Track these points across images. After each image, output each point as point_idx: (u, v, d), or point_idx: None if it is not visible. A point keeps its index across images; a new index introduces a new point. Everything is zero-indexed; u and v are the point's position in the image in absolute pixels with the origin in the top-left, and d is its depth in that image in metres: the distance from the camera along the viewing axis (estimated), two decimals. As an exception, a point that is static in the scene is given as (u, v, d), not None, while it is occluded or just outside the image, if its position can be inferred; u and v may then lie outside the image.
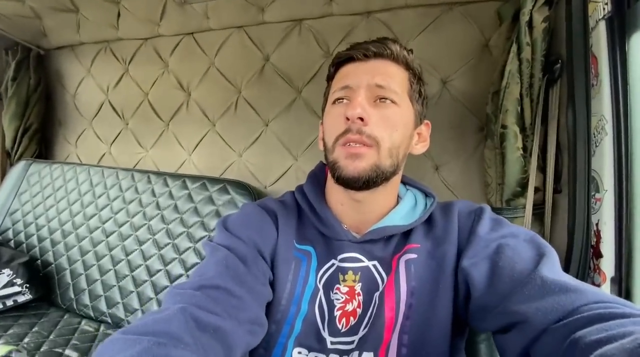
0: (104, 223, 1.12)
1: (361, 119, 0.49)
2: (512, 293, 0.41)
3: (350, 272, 0.53)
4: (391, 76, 0.53)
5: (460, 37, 0.91)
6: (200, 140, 1.24)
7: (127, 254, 1.05)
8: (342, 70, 0.57)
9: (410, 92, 0.55)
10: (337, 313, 0.52)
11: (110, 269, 1.05)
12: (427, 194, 0.60)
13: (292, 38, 1.10)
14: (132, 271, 1.02)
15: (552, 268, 0.42)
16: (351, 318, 0.52)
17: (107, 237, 1.10)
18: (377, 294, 0.51)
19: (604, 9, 0.60)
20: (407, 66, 0.55)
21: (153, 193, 1.10)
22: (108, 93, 1.40)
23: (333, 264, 0.54)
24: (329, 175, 0.58)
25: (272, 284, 0.53)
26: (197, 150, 1.25)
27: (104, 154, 1.42)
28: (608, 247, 0.61)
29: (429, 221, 0.55)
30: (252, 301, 0.47)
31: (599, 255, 0.62)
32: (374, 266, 0.53)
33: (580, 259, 0.65)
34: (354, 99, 0.51)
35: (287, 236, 0.56)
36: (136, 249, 1.05)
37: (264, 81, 1.14)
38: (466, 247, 0.50)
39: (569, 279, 0.40)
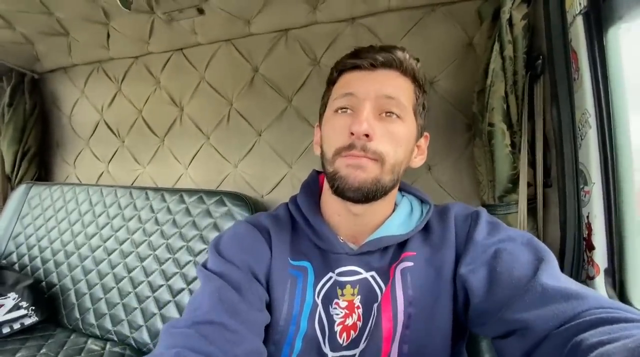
0: (105, 241, 1.14)
1: (366, 135, 0.48)
2: (512, 301, 0.41)
3: (348, 286, 0.52)
4: (398, 89, 0.51)
5: (444, 38, 0.92)
6: (196, 154, 1.25)
7: (129, 271, 1.06)
8: (345, 76, 0.54)
9: (415, 106, 0.53)
10: (338, 328, 0.51)
11: (113, 287, 1.07)
12: (422, 200, 0.59)
13: (279, 48, 1.11)
14: (134, 287, 1.03)
15: (552, 273, 0.42)
16: (352, 332, 0.51)
17: (109, 255, 1.11)
18: (375, 305, 0.51)
19: (580, 3, 0.61)
20: (414, 77, 0.53)
21: (152, 209, 1.12)
22: (103, 112, 1.42)
23: (331, 277, 0.53)
24: (325, 186, 0.57)
25: (269, 306, 0.52)
26: (193, 164, 1.26)
27: (102, 173, 1.44)
28: (599, 239, 0.61)
29: (425, 228, 0.55)
30: (248, 333, 0.46)
31: (591, 247, 0.62)
32: (372, 276, 0.53)
33: (574, 252, 0.65)
34: (359, 111, 0.49)
35: (281, 254, 0.55)
36: (138, 266, 1.06)
37: (255, 92, 1.15)
38: (464, 253, 0.50)
39: (569, 284, 0.40)
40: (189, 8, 1.09)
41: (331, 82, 0.58)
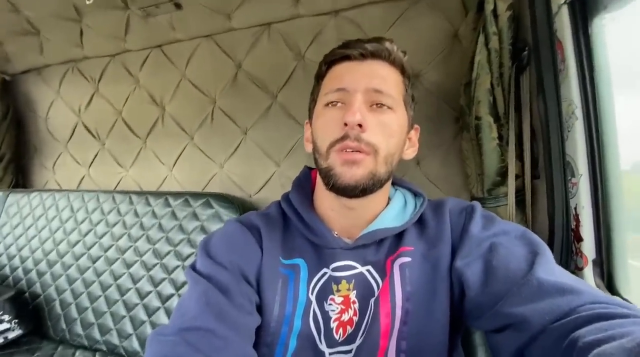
0: (89, 249, 1.10)
1: (359, 125, 0.47)
2: (508, 295, 0.41)
3: (344, 282, 0.52)
4: (388, 80, 0.51)
5: (430, 30, 0.90)
6: (180, 155, 1.22)
7: (115, 279, 1.04)
8: (335, 69, 0.54)
9: (405, 97, 0.54)
10: (334, 325, 0.51)
11: (100, 295, 1.04)
12: (416, 194, 0.59)
13: (262, 43, 1.07)
14: (122, 295, 1.01)
15: (547, 267, 0.42)
16: (348, 327, 0.51)
17: (94, 262, 1.08)
18: (372, 300, 0.50)
19: (564, -7, 0.60)
20: (402, 69, 0.54)
21: (136, 213, 1.08)
22: (80, 114, 1.36)
23: (325, 273, 0.53)
24: (318, 181, 0.56)
25: (260, 307, 0.51)
26: (178, 165, 1.23)
27: (83, 177, 1.39)
28: (587, 230, 0.61)
29: (420, 222, 0.55)
30: (237, 338, 0.45)
31: (579, 239, 0.63)
32: (368, 270, 0.52)
33: (563, 244, 0.65)
34: (351, 103, 0.49)
35: (272, 253, 0.54)
36: (124, 273, 1.03)
37: (238, 89, 1.12)
38: (459, 246, 0.50)
39: (565, 279, 0.40)
40: (165, 3, 1.04)
41: (320, 77, 0.57)
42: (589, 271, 0.61)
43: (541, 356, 0.37)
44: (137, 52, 1.23)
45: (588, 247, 0.61)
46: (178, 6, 1.05)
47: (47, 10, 1.11)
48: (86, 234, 1.12)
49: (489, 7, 0.71)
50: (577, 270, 0.64)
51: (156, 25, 1.13)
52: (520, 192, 0.76)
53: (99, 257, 1.08)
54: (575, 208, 0.63)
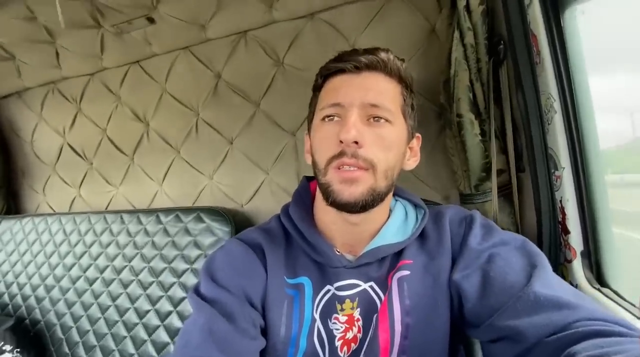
0: (85, 271, 1.10)
1: (355, 142, 0.47)
2: (505, 307, 0.41)
3: (347, 301, 0.52)
4: (384, 93, 0.50)
5: (407, 26, 0.89)
6: (168, 169, 1.21)
7: (113, 299, 1.04)
8: (331, 81, 0.53)
9: (403, 107, 0.52)
10: (339, 343, 0.51)
11: (99, 317, 1.04)
12: (416, 205, 0.58)
13: (239, 51, 1.06)
14: (121, 315, 1.01)
15: (545, 280, 0.42)
16: (352, 344, 0.51)
17: (91, 284, 1.08)
18: (375, 315, 0.50)
19: (535, -16, 0.59)
20: (400, 78, 0.53)
21: (128, 233, 1.08)
22: (65, 135, 1.35)
23: (329, 290, 0.52)
24: (319, 194, 0.55)
25: (265, 330, 0.51)
26: (167, 180, 1.22)
27: (74, 198, 1.38)
28: (573, 223, 0.61)
29: (421, 234, 0.54)
30: None
31: (566, 231, 0.63)
32: (371, 287, 0.52)
33: (551, 237, 0.65)
34: (346, 118, 0.48)
35: (277, 273, 0.53)
36: (122, 293, 1.03)
37: (220, 100, 1.11)
38: (458, 258, 0.50)
39: (562, 293, 0.40)
40: (137, 18, 1.03)
41: (317, 89, 0.56)
42: (577, 263, 0.61)
43: None
44: (116, 69, 1.21)
45: (575, 239, 0.61)
46: (151, 20, 1.04)
47: (18, 35, 1.09)
48: (81, 257, 1.12)
49: (461, 2, 0.70)
50: (566, 263, 0.64)
51: (131, 41, 1.11)
52: (507, 186, 0.76)
53: (95, 279, 1.08)
54: (561, 201, 0.63)
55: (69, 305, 1.09)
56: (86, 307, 1.06)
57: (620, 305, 0.52)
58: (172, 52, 1.13)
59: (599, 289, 0.57)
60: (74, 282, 1.10)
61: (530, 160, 0.67)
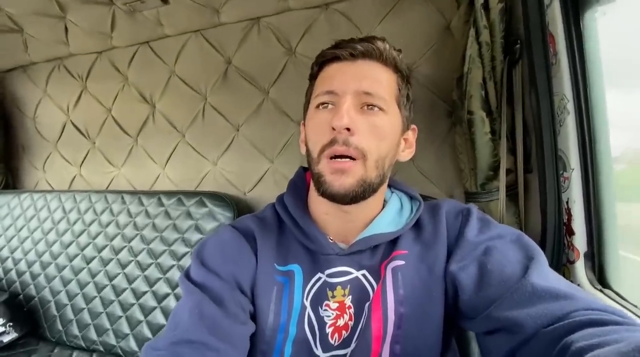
0: (82, 250, 1.09)
1: (348, 129, 0.47)
2: (502, 299, 0.41)
3: (339, 288, 0.52)
4: (379, 81, 0.50)
5: (422, 22, 0.89)
6: (172, 153, 1.20)
7: (110, 279, 1.03)
8: (326, 69, 0.53)
9: (398, 97, 0.52)
10: (329, 330, 0.50)
11: (95, 296, 1.03)
12: (412, 197, 0.59)
13: (251, 38, 1.05)
14: (117, 295, 1.01)
15: (542, 273, 0.42)
16: (343, 332, 0.50)
17: (88, 263, 1.07)
18: (367, 304, 0.50)
19: (556, -15, 0.59)
20: (396, 68, 0.52)
21: (129, 213, 1.07)
22: (69, 113, 1.34)
23: (320, 278, 0.52)
24: (312, 185, 0.55)
25: (254, 315, 0.51)
26: (170, 164, 1.21)
27: (74, 177, 1.37)
28: (579, 224, 0.62)
29: (416, 225, 0.54)
30: (230, 349, 0.45)
31: (571, 232, 0.63)
32: (363, 275, 0.52)
33: (555, 237, 0.66)
34: (339, 106, 0.48)
35: (267, 260, 0.54)
36: (119, 273, 1.03)
37: (229, 85, 1.10)
38: (454, 249, 0.50)
39: (558, 285, 0.40)
40: (151, -3, 1.02)
41: (312, 77, 0.56)
42: (580, 264, 0.62)
43: None
44: (125, 49, 1.20)
45: (580, 240, 0.62)
46: (165, 1, 1.03)
47: (29, 7, 1.08)
48: (79, 235, 1.12)
49: (479, 0, 0.70)
50: (569, 264, 0.65)
51: (143, 20, 1.10)
52: (513, 187, 0.76)
53: (93, 258, 1.07)
54: (567, 202, 0.64)
55: (65, 283, 1.08)
56: (82, 286, 1.06)
57: (623, 307, 0.52)
58: (183, 34, 1.12)
59: (600, 290, 0.57)
60: (70, 260, 1.10)
61: (539, 160, 0.68)
